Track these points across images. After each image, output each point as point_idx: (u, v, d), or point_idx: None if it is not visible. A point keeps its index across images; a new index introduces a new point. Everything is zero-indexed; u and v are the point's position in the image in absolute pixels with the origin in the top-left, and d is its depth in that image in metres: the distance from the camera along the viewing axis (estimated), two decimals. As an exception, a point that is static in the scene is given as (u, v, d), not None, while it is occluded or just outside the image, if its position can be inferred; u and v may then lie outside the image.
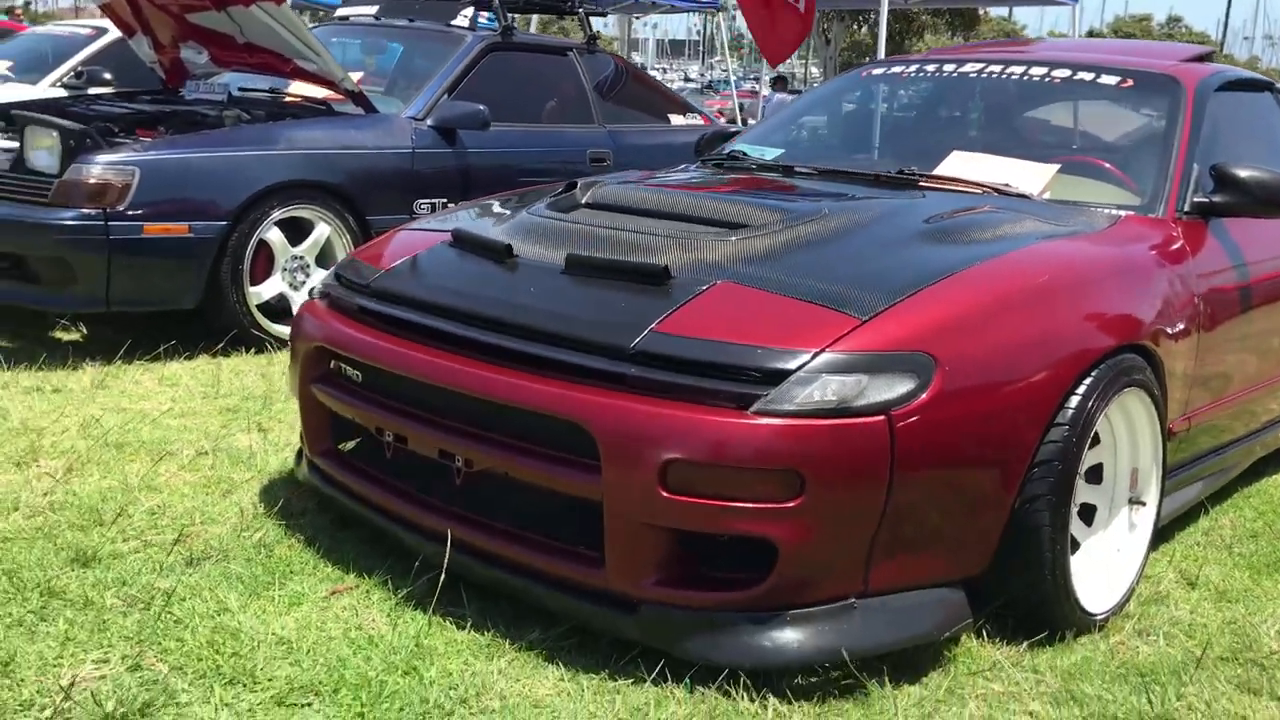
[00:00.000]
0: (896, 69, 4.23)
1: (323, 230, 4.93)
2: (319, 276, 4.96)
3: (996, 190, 3.28)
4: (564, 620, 2.44)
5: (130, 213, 4.32)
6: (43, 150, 4.35)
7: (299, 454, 3.26)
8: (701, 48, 64.04)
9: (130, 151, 4.42)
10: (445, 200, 5.33)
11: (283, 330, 4.84)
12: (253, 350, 4.71)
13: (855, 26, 22.41)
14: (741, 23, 14.16)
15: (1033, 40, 6.61)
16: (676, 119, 6.94)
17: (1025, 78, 3.82)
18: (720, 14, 12.40)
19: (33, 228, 4.24)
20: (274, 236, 4.77)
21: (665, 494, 2.21)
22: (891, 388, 2.25)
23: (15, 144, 4.61)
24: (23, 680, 2.19)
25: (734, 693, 2.25)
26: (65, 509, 3.00)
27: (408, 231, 3.33)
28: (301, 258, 4.90)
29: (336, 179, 4.92)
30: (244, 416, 3.89)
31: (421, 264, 2.92)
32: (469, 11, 6.11)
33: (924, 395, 2.27)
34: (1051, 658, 2.51)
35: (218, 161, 4.59)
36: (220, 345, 4.65)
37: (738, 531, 2.24)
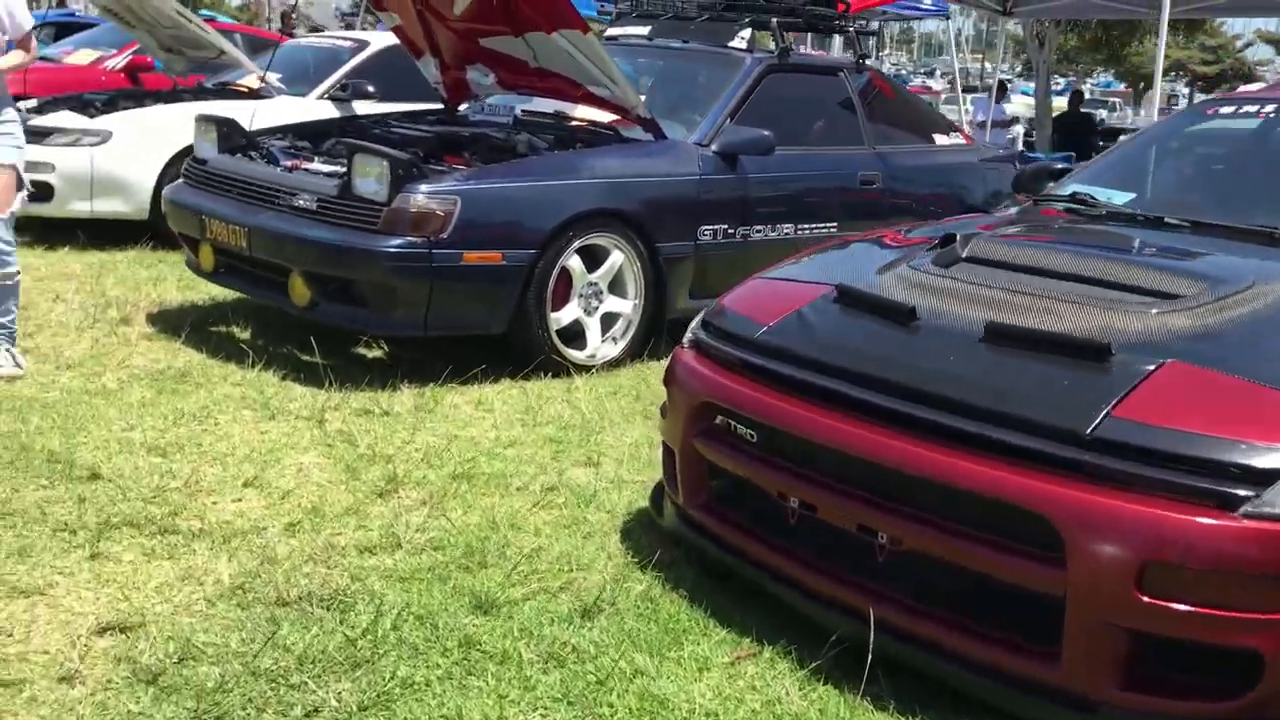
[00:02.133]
0: (1249, 107, 3.97)
1: (616, 257, 4.96)
2: (610, 303, 5.00)
3: None
4: (1001, 712, 2.35)
5: (452, 241, 4.42)
6: (370, 178, 4.48)
7: (655, 498, 3.27)
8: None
9: (453, 181, 4.53)
10: (725, 226, 5.31)
11: (575, 354, 4.90)
12: (550, 375, 4.78)
13: (1067, 33, 21.61)
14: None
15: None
16: (940, 139, 6.76)
17: None
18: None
19: (364, 254, 4.38)
20: (574, 264, 4.82)
21: (1142, 596, 2.10)
22: (1392, 493, 2.08)
23: (337, 168, 4.80)
24: (478, 740, 2.24)
25: (1206, 809, 2.13)
26: (445, 548, 3.07)
27: (768, 280, 3.29)
28: (596, 284, 4.95)
29: (632, 207, 4.94)
30: (569, 448, 3.94)
31: (810, 320, 2.87)
32: (746, 33, 6.05)
33: None
34: None
35: (529, 191, 4.66)
36: (525, 371, 4.72)
37: (1220, 641, 2.10)
